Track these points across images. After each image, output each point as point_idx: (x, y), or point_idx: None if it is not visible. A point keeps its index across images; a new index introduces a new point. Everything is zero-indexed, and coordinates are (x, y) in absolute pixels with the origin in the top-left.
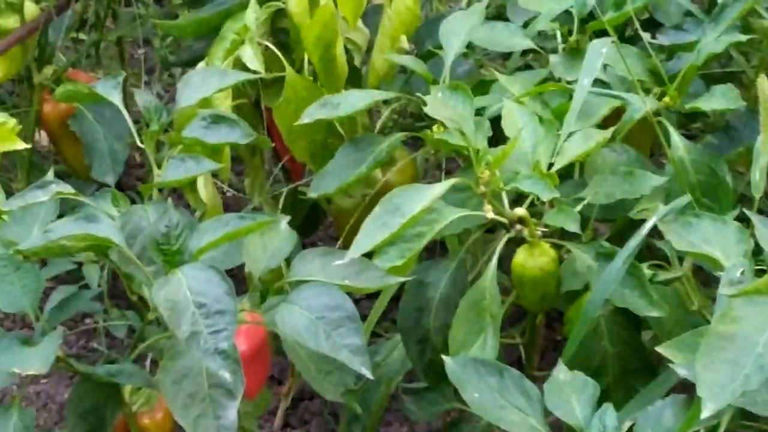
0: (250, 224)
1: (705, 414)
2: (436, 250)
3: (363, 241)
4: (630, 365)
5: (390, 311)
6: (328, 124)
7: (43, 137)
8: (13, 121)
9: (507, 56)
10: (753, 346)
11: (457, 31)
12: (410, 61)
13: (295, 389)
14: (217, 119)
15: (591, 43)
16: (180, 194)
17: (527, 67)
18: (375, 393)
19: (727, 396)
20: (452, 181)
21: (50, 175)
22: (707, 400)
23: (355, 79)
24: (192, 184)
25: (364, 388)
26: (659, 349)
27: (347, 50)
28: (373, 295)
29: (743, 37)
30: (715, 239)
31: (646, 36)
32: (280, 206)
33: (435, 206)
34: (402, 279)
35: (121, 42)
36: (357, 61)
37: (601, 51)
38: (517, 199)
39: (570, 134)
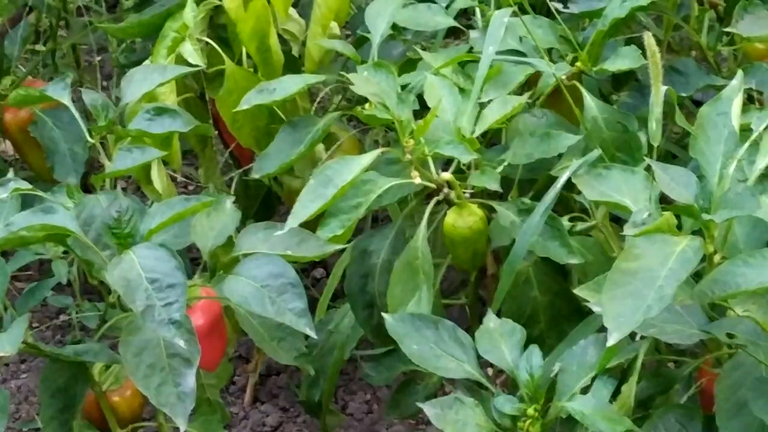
0: (195, 204)
1: (610, 342)
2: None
3: (299, 212)
4: (560, 312)
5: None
6: (270, 110)
7: (8, 146)
8: None
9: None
10: (654, 280)
11: (382, 14)
12: (340, 45)
13: (261, 366)
14: (160, 111)
15: (494, 14)
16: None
17: None
18: (329, 358)
19: (630, 324)
20: (378, 151)
21: (10, 175)
22: (612, 329)
23: (294, 67)
24: (148, 176)
25: (320, 354)
26: (577, 291)
27: (285, 40)
28: None
29: (645, 2)
30: (624, 188)
31: (558, 6)
32: (232, 191)
33: (369, 177)
34: (340, 246)
35: (76, 49)
36: (294, 51)
37: (503, 20)
38: (448, 166)
39: (489, 101)
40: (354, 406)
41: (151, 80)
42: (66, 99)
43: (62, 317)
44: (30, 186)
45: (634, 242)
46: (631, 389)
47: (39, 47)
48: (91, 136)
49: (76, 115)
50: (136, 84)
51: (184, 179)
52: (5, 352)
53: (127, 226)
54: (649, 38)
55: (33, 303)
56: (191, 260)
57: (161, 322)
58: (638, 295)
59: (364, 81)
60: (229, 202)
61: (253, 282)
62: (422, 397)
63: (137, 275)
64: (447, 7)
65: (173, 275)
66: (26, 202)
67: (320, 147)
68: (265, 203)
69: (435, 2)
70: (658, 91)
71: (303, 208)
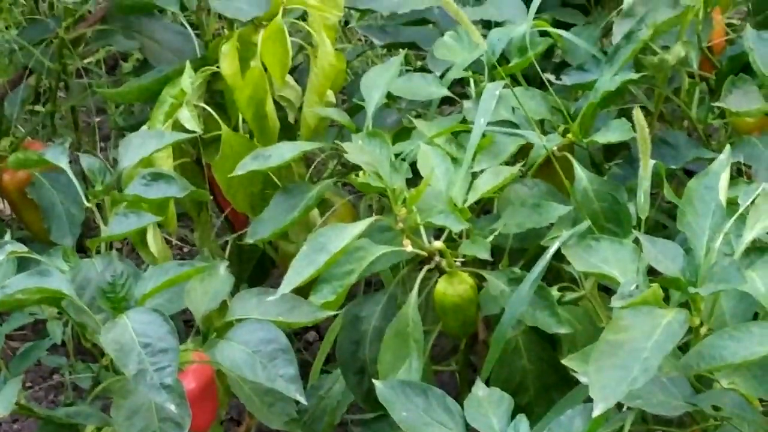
0: (189, 270)
1: (596, 412)
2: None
3: (292, 278)
4: (549, 381)
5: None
6: (265, 175)
7: (5, 205)
8: None
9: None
10: (640, 352)
11: (378, 83)
12: (335, 114)
13: (253, 429)
14: (156, 176)
15: (487, 86)
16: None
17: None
18: (320, 423)
19: (616, 395)
20: (371, 219)
21: (7, 237)
22: (598, 400)
23: (290, 134)
24: (143, 239)
25: (311, 419)
26: (565, 361)
27: (281, 107)
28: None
29: (635, 75)
30: (613, 259)
31: (550, 77)
32: (227, 255)
33: (362, 245)
34: (331, 312)
35: (75, 111)
36: (291, 117)
37: (495, 92)
38: (440, 234)
39: (481, 171)
40: None
41: (148, 146)
42: (64, 163)
43: (56, 377)
44: (26, 249)
45: (621, 314)
46: None
47: (38, 108)
48: (87, 199)
49: (73, 179)
50: (134, 149)
51: (179, 242)
52: None
53: (121, 290)
54: (638, 113)
55: (27, 364)
56: (185, 322)
57: (153, 386)
58: (624, 367)
59: (358, 150)
60: (222, 268)
61: (245, 347)
62: None
63: (130, 339)
64: (441, 77)
65: (166, 340)
66: (22, 262)
67: (315, 212)
68: (259, 267)
69: (429, 72)
70: (647, 165)
71: (296, 275)
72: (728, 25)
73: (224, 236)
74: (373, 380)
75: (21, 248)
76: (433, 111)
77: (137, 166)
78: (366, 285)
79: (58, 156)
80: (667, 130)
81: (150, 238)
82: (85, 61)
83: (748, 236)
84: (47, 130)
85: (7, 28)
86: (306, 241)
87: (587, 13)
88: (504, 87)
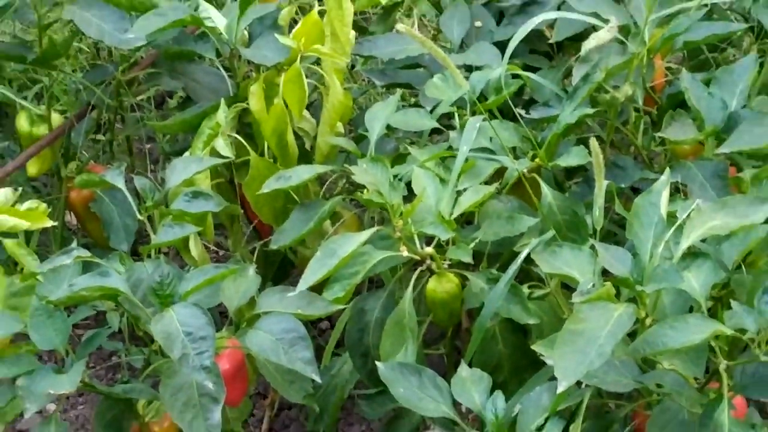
0: (224, 271)
1: (560, 389)
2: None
3: (309, 277)
4: (521, 363)
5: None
6: (286, 193)
7: (72, 217)
8: (43, 206)
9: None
10: (596, 339)
11: (379, 117)
12: (343, 142)
13: (276, 402)
14: (196, 194)
15: (469, 119)
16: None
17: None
18: (331, 397)
19: (576, 375)
20: (374, 229)
21: (74, 245)
22: (562, 379)
23: (306, 158)
24: (186, 246)
25: (324, 394)
26: (534, 347)
27: (299, 137)
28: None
29: (591, 110)
30: (573, 263)
31: (521, 112)
32: (254, 258)
33: (366, 250)
34: (342, 306)
35: (130, 139)
36: (307, 145)
37: (475, 125)
38: (431, 241)
39: (464, 189)
40: None
41: (190, 169)
42: (120, 183)
43: (114, 359)
44: (89, 254)
45: (580, 308)
46: (577, 428)
47: (100, 137)
48: (140, 213)
49: (128, 196)
50: (178, 172)
51: (216, 248)
52: (66, 390)
53: (167, 288)
54: (593, 142)
55: (90, 349)
56: (220, 314)
57: (194, 368)
58: (583, 352)
59: (362, 172)
60: (251, 270)
61: (270, 335)
62: (407, 431)
63: (175, 329)
64: (431, 112)
65: (204, 329)
66: (87, 265)
67: (327, 223)
68: (281, 268)
69: (422, 107)
70: (601, 185)
71: (312, 275)
72: (668, 68)
73: (253, 243)
74: (376, 362)
75: (85, 253)
76: (424, 140)
77: (181, 186)
78: (369, 283)
79: (115, 177)
80: (617, 155)
81: (192, 244)
82: (138, 98)
83: (685, 244)
84: (107, 155)
85: (73, 71)
86: (320, 248)
87: (551, 58)
88: (483, 120)
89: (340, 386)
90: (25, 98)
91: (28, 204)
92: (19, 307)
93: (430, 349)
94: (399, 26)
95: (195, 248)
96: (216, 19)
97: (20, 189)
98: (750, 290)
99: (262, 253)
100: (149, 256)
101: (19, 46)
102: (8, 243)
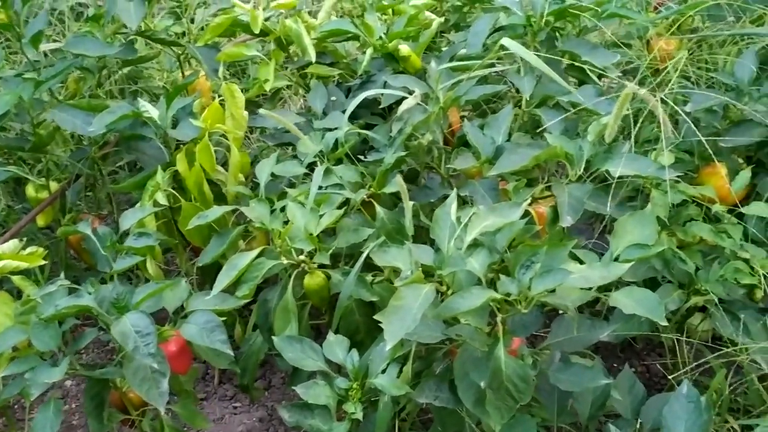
0: (162, 286)
1: (388, 346)
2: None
3: (218, 284)
4: (371, 328)
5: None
6: (209, 225)
7: (72, 252)
8: (40, 250)
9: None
10: (411, 309)
11: (266, 168)
12: (242, 189)
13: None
14: (141, 234)
15: (318, 167)
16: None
17: None
18: (251, 359)
19: (399, 335)
20: (260, 248)
21: (62, 276)
22: (388, 339)
23: (222, 200)
24: (145, 266)
25: (246, 357)
26: (375, 317)
27: (217, 185)
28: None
29: (404, 153)
30: (398, 257)
31: (361, 157)
32: (195, 271)
33: (261, 261)
34: (248, 300)
35: (109, 194)
36: (224, 190)
37: (320, 172)
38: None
39: (323, 213)
40: (275, 380)
41: (136, 216)
42: (88, 230)
43: (111, 345)
44: (68, 282)
45: (401, 289)
46: (408, 368)
47: (89, 193)
48: (104, 250)
49: (94, 239)
50: (128, 219)
51: (166, 267)
52: (57, 378)
53: (122, 301)
54: (398, 178)
55: (78, 347)
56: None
57: (144, 354)
58: (403, 319)
59: (250, 209)
60: (183, 282)
61: (196, 326)
62: (304, 378)
63: (129, 329)
64: (302, 162)
65: (149, 328)
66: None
67: (240, 242)
68: (216, 274)
69: (298, 158)
70: (407, 205)
71: (220, 282)
72: (462, 116)
73: (194, 260)
74: (273, 337)
75: (66, 282)
76: (300, 180)
77: (135, 226)
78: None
79: (84, 227)
80: (429, 179)
81: (149, 265)
82: (116, 165)
83: (469, 238)
84: (94, 205)
85: (64, 152)
86: (226, 263)
87: (385, 117)
88: (335, 165)
89: (256, 351)
90: (31, 173)
91: (29, 249)
92: (25, 322)
93: (315, 321)
94: (261, 111)
95: (151, 268)
96: (151, 111)
97: (25, 239)
98: (512, 266)
99: (201, 267)
100: (112, 278)
101: (19, 138)
102: (15, 278)
